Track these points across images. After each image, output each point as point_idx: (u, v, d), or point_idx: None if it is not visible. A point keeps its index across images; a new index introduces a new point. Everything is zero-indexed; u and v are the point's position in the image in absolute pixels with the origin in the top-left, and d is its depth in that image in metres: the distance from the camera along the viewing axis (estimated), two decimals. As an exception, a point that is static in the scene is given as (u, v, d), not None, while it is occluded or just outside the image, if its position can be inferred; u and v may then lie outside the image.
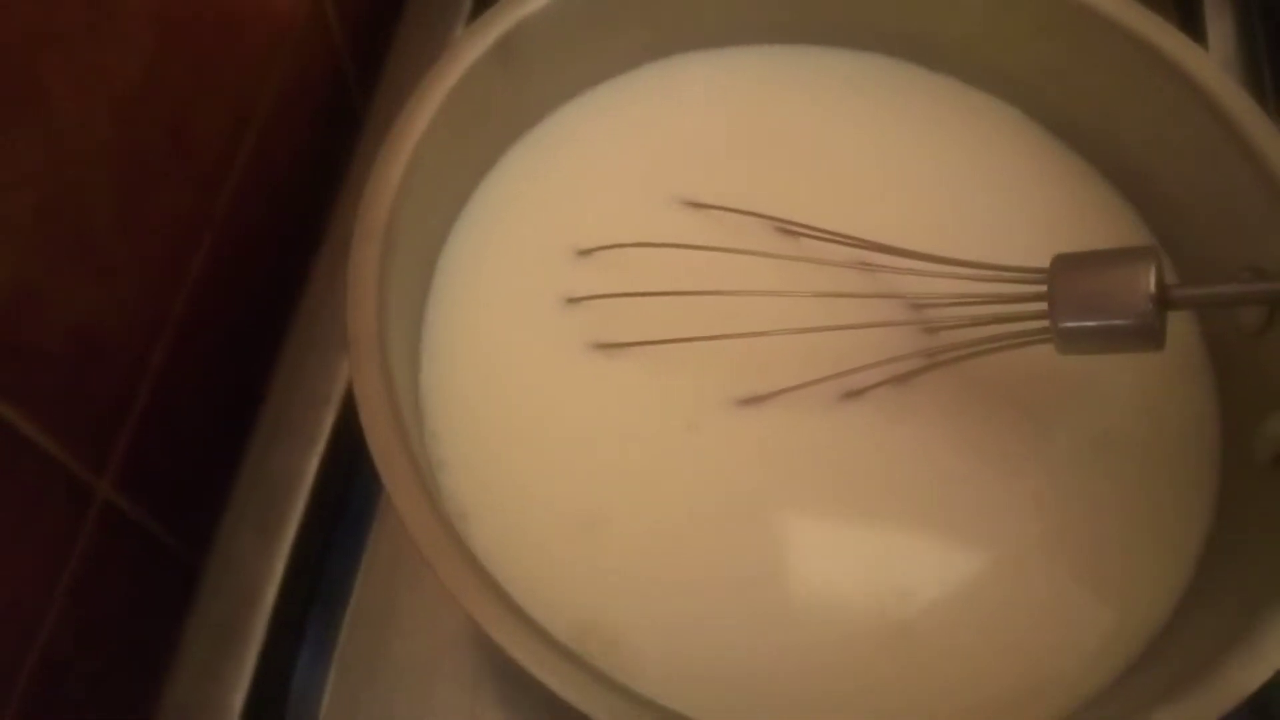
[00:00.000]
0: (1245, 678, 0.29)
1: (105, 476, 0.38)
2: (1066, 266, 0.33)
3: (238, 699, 0.38)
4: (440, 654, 0.39)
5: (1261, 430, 0.35)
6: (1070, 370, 0.36)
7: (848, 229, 0.38)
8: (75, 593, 0.37)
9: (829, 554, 0.36)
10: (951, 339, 0.36)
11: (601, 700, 0.28)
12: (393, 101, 0.39)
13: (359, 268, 0.33)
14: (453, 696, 0.39)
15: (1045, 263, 0.33)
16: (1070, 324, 0.32)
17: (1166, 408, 0.38)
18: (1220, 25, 0.53)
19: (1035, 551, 0.36)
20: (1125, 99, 0.40)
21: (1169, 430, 0.38)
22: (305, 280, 0.46)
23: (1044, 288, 0.33)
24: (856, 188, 0.42)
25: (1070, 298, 0.32)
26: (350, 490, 0.43)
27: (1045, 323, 0.33)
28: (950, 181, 0.42)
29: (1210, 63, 0.38)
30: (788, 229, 0.40)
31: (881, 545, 0.36)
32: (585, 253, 0.39)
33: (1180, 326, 0.37)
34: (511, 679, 0.39)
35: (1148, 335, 0.31)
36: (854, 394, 0.37)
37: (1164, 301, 0.31)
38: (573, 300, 0.39)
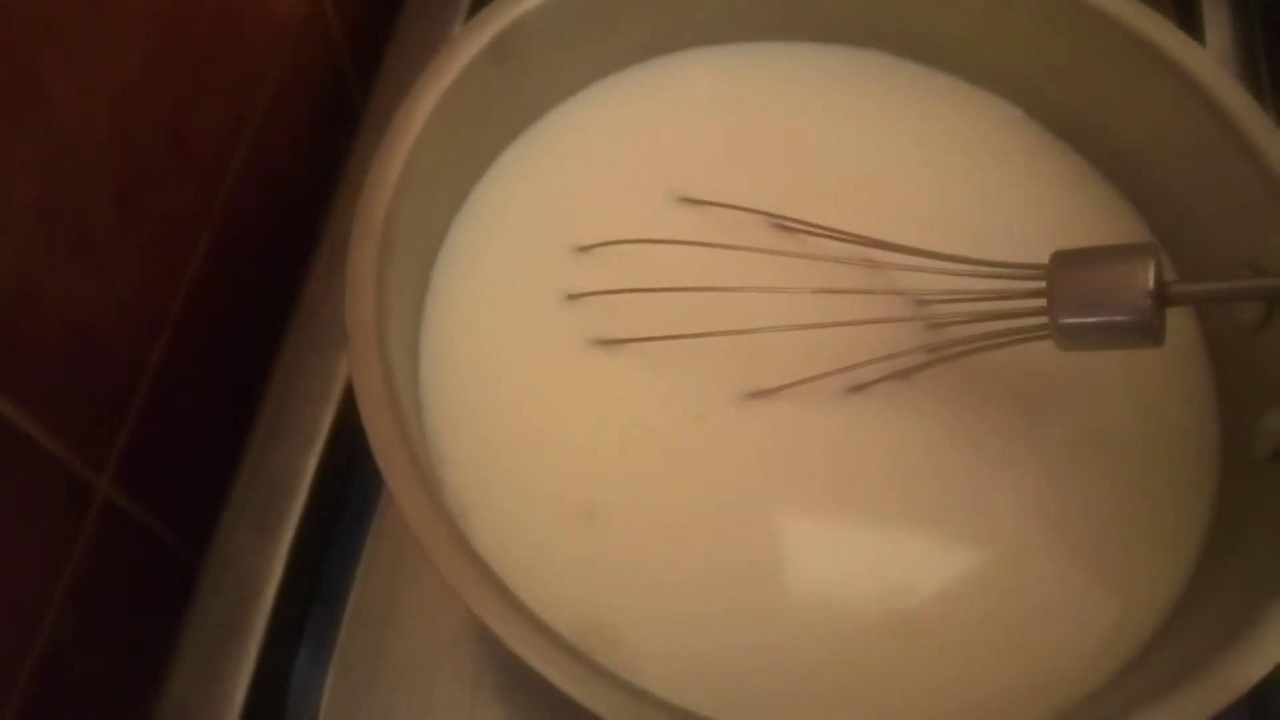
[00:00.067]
0: (1245, 672, 0.29)
1: (105, 474, 0.38)
2: (1066, 263, 0.33)
3: (237, 697, 0.38)
4: (440, 652, 0.39)
5: (1260, 426, 0.35)
6: (1070, 367, 0.36)
7: (847, 226, 0.38)
8: (75, 591, 0.37)
9: (830, 549, 0.36)
10: (952, 335, 0.36)
11: (603, 694, 0.28)
12: (391, 99, 0.39)
13: (357, 264, 0.33)
14: (452, 695, 0.39)
15: (1044, 259, 0.33)
16: (1069, 320, 0.32)
17: (1165, 404, 0.38)
18: (1217, 22, 0.53)
19: (1035, 547, 0.36)
20: (1124, 96, 0.40)
21: (1168, 426, 0.38)
22: (304, 278, 0.46)
23: (1043, 284, 0.33)
24: (856, 185, 0.42)
25: (1069, 294, 0.32)
26: (349, 489, 0.42)
27: (1044, 319, 0.33)
28: (950, 179, 0.42)
29: (1208, 60, 0.38)
30: (787, 226, 0.40)
31: (882, 540, 0.36)
32: (584, 249, 0.39)
33: (1179, 323, 0.37)
34: (511, 676, 0.39)
35: (1147, 331, 0.31)
36: (855, 390, 0.37)
37: (1163, 298, 0.31)
38: (573, 296, 0.39)
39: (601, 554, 0.35)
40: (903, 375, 0.37)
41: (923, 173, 0.42)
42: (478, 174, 0.41)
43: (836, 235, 0.38)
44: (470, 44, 0.37)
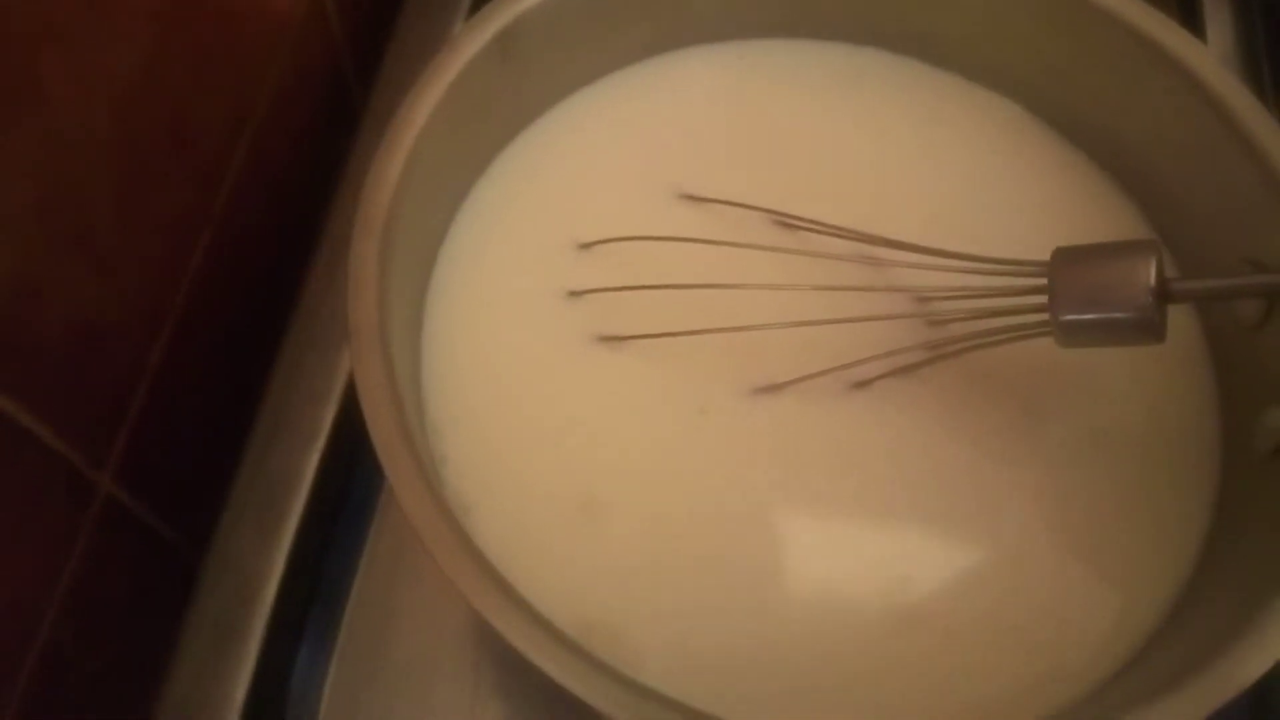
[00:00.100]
0: (1245, 668, 0.29)
1: (105, 472, 0.38)
2: (1067, 260, 0.33)
3: (237, 696, 0.38)
4: (441, 651, 0.39)
5: (1261, 422, 0.35)
6: (1071, 363, 0.36)
7: (849, 223, 0.38)
8: (75, 590, 0.37)
9: (831, 545, 0.36)
10: (953, 332, 0.36)
11: (604, 690, 0.28)
12: (391, 98, 0.39)
13: (359, 260, 0.33)
14: (453, 694, 0.39)
15: (1045, 256, 0.33)
16: (1070, 317, 0.32)
17: (1166, 401, 0.38)
18: (1219, 20, 0.53)
19: (1036, 545, 0.36)
20: (1126, 94, 0.40)
21: (1169, 423, 0.38)
22: (304, 277, 0.46)
23: (1044, 281, 0.33)
24: (857, 183, 0.42)
25: (1070, 291, 0.32)
26: (350, 487, 0.42)
27: (1045, 316, 0.33)
28: (951, 176, 0.42)
29: (1210, 58, 0.38)
30: (788, 223, 0.40)
31: (883, 537, 0.36)
32: (586, 246, 0.39)
33: (1180, 320, 0.37)
34: (512, 674, 0.39)
35: (1148, 328, 0.31)
36: (856, 387, 0.37)
37: (1164, 295, 0.31)
38: (574, 294, 0.39)
39: (603, 551, 0.35)
40: (904, 372, 0.37)
41: (923, 170, 0.42)
42: (479, 171, 0.41)
43: (838, 232, 0.38)
44: (473, 41, 0.37)
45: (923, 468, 0.37)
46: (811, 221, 0.39)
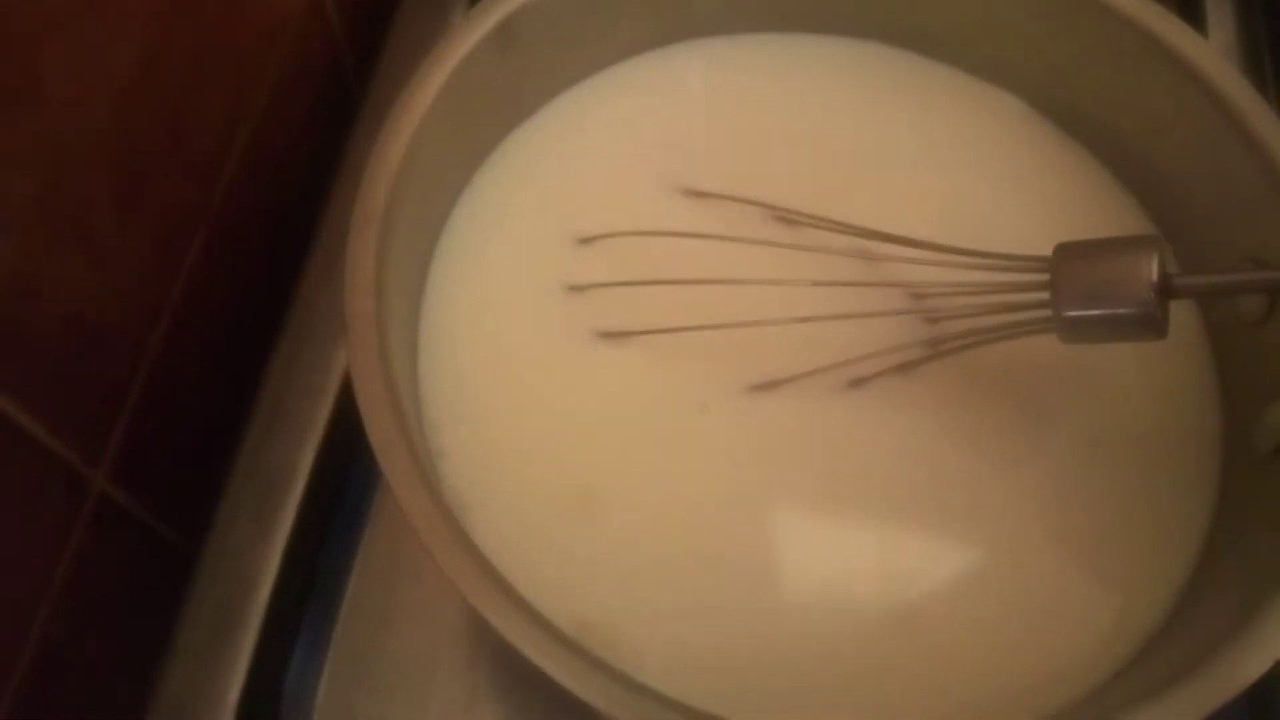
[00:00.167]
0: (1245, 668, 0.29)
1: (101, 468, 0.38)
2: (1069, 255, 0.32)
3: (233, 691, 0.38)
4: (437, 648, 0.39)
5: (1262, 420, 0.35)
6: (1071, 360, 0.36)
7: (850, 218, 0.38)
8: (70, 586, 0.37)
9: (830, 544, 0.36)
10: (954, 328, 0.36)
11: (602, 688, 0.28)
12: (389, 91, 0.39)
13: (357, 252, 0.33)
14: (449, 690, 0.39)
15: (1047, 251, 0.33)
16: (1073, 313, 0.32)
17: (1167, 399, 0.38)
18: (1220, 13, 0.53)
19: (1035, 544, 0.36)
20: (1126, 88, 0.40)
21: (1170, 421, 0.38)
22: (302, 271, 0.46)
23: (1046, 276, 0.32)
24: (858, 177, 0.42)
25: (1073, 287, 0.32)
26: (347, 482, 0.42)
27: (1048, 312, 0.32)
28: (951, 171, 0.42)
29: (1211, 51, 0.38)
30: (789, 218, 0.39)
31: (882, 536, 0.36)
32: (586, 240, 0.39)
33: (1182, 316, 0.37)
34: (509, 671, 0.39)
35: (1150, 324, 0.31)
36: (856, 383, 0.37)
37: (1166, 290, 0.31)
38: (573, 288, 0.38)
39: (602, 549, 0.35)
40: (905, 370, 0.37)
41: (923, 165, 0.42)
42: (478, 164, 0.41)
43: (837, 228, 0.38)
44: (472, 32, 0.37)
45: (923, 466, 0.37)
46: (812, 216, 0.38)
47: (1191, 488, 0.37)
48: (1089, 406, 0.38)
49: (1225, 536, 0.35)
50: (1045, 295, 0.32)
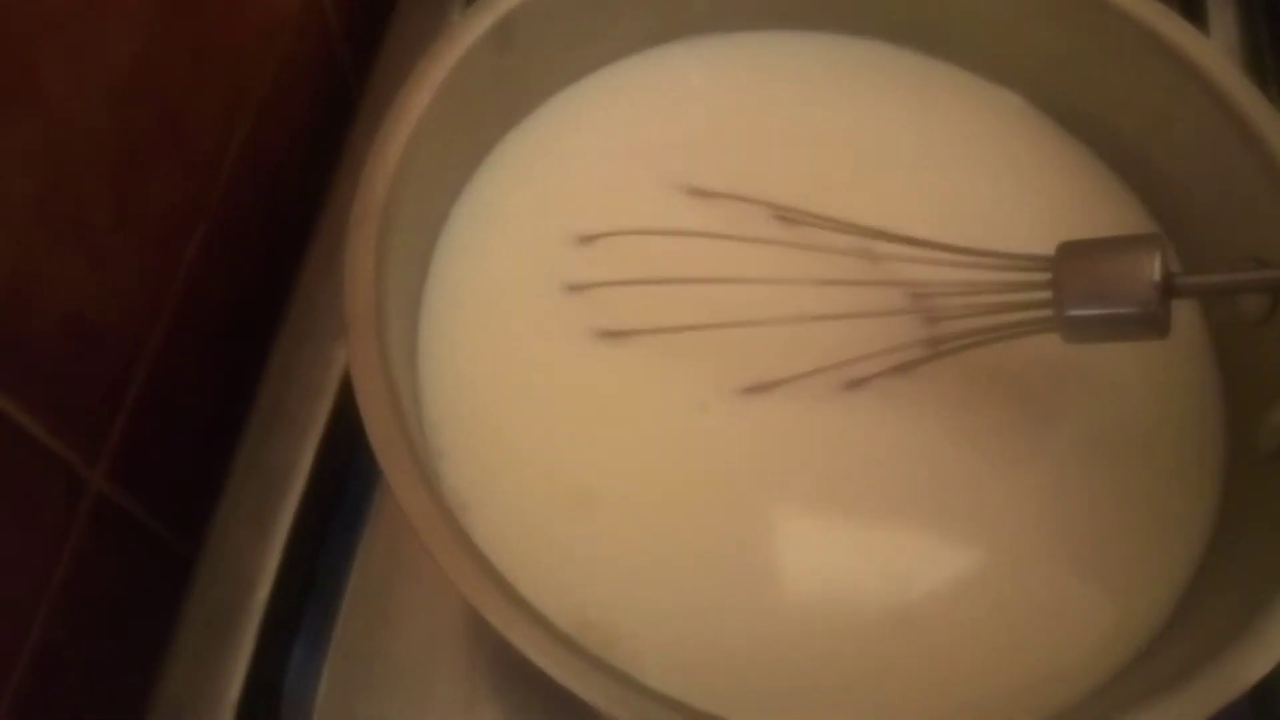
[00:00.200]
0: (1247, 669, 0.29)
1: (99, 468, 0.38)
2: (1071, 254, 0.32)
3: (232, 691, 0.38)
4: (437, 647, 0.39)
5: (1265, 420, 0.35)
6: (1072, 360, 0.35)
7: (850, 216, 0.38)
8: (69, 586, 0.37)
9: (830, 544, 0.36)
10: (955, 328, 0.36)
11: (602, 688, 0.28)
12: (388, 89, 0.39)
13: (356, 249, 0.33)
14: (449, 689, 0.39)
15: (1047, 249, 0.33)
16: (1075, 312, 0.32)
17: (1169, 399, 0.38)
18: (1221, 13, 0.53)
19: (1036, 546, 0.36)
20: (1127, 85, 0.40)
21: (1171, 421, 0.38)
22: (300, 269, 0.46)
23: (1048, 275, 0.32)
24: (858, 175, 0.41)
25: (1075, 286, 0.32)
26: (346, 482, 0.42)
27: (1049, 311, 0.32)
28: (952, 169, 0.42)
29: (1213, 49, 0.38)
30: (789, 217, 0.39)
31: (883, 536, 0.36)
32: (585, 239, 0.39)
33: (1183, 316, 0.37)
34: (509, 671, 0.39)
35: (1152, 323, 0.31)
36: (857, 383, 0.37)
37: (1169, 290, 0.31)
38: (574, 286, 0.38)
39: (601, 548, 0.35)
40: (906, 370, 0.37)
41: (923, 163, 0.42)
42: (477, 162, 0.41)
43: (838, 227, 0.38)
44: (471, 30, 0.37)
45: (924, 466, 0.36)
46: (813, 215, 0.38)
47: (1193, 488, 0.37)
48: (1090, 406, 0.38)
49: (1227, 537, 0.35)
50: (1047, 295, 0.32)
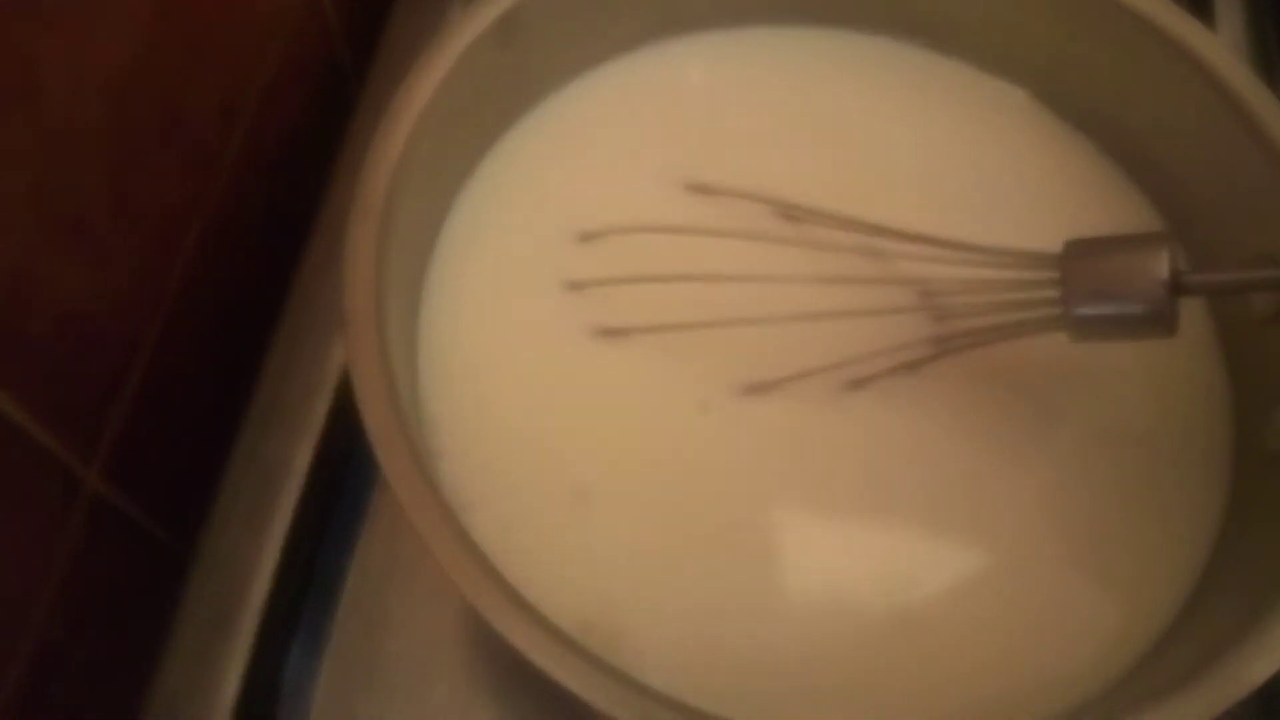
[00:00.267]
0: (1253, 670, 0.29)
1: (95, 466, 0.37)
2: (1078, 252, 0.32)
3: (229, 692, 0.37)
4: (435, 647, 0.39)
5: (1272, 419, 0.35)
6: (1079, 359, 0.35)
7: (855, 213, 0.37)
8: (66, 586, 0.36)
9: (834, 544, 0.36)
10: (961, 326, 0.36)
11: (605, 688, 0.27)
12: (387, 84, 0.39)
13: (356, 244, 0.33)
14: (448, 692, 0.38)
15: (1054, 246, 0.33)
16: (1083, 310, 0.32)
17: (1176, 398, 0.38)
18: (1229, 7, 0.53)
19: (1042, 546, 0.36)
20: (1135, 83, 0.40)
21: (1178, 420, 0.38)
22: (299, 265, 0.45)
23: (1055, 274, 0.32)
24: (863, 171, 0.41)
25: (1082, 284, 0.32)
26: (344, 480, 0.42)
27: (1057, 310, 0.32)
28: (958, 165, 0.42)
29: (1221, 47, 0.38)
30: (792, 214, 0.39)
31: (887, 536, 0.36)
32: (587, 235, 0.39)
33: (1191, 314, 0.37)
34: (508, 670, 0.39)
35: (1160, 322, 0.31)
36: (862, 383, 0.37)
37: (1177, 288, 0.31)
38: (575, 283, 0.38)
39: (602, 549, 0.35)
40: (910, 369, 0.37)
41: (927, 160, 0.42)
42: (479, 155, 0.41)
43: (843, 224, 0.37)
44: (473, 24, 0.37)
45: (926, 466, 0.36)
46: (817, 212, 0.38)
47: (1200, 488, 0.36)
48: (1094, 405, 0.38)
49: (1233, 537, 0.35)
50: (1054, 293, 0.32)
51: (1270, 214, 0.36)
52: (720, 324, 0.36)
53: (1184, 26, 0.38)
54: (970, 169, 0.42)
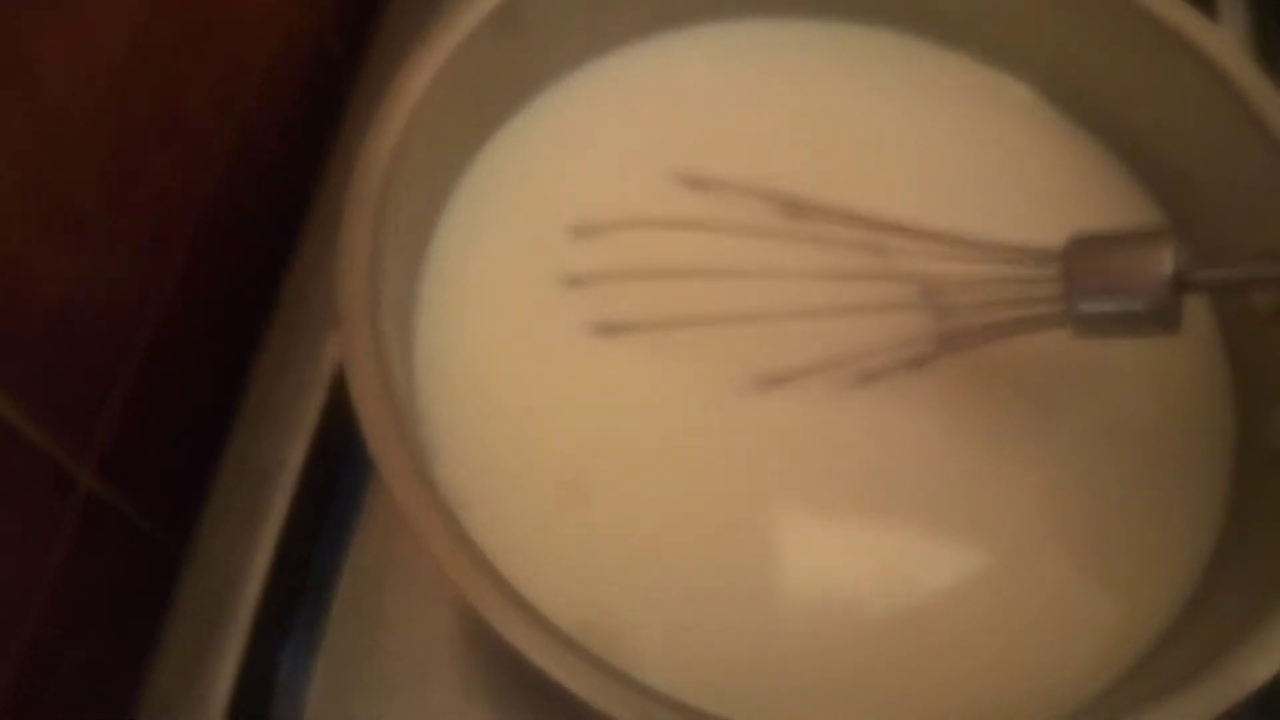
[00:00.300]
0: (1253, 670, 0.29)
1: (88, 465, 0.37)
2: (1081, 248, 0.32)
3: (222, 692, 0.37)
4: (431, 645, 0.39)
5: (1275, 417, 0.35)
6: (1081, 357, 0.35)
7: (857, 208, 0.37)
8: (58, 585, 0.36)
9: (835, 542, 0.35)
10: (964, 323, 0.36)
11: (605, 688, 0.27)
12: (382, 75, 0.38)
13: (350, 240, 0.32)
14: (443, 692, 0.38)
15: (1056, 242, 0.33)
16: (1086, 307, 0.32)
17: (1178, 396, 0.38)
18: (1232, 4, 0.52)
19: (1043, 545, 0.35)
20: (1138, 77, 0.40)
21: (1180, 417, 0.38)
22: (294, 260, 0.45)
23: (1058, 270, 0.32)
24: (865, 166, 0.41)
25: (1085, 280, 0.32)
26: (338, 478, 0.42)
27: (1059, 306, 0.32)
28: (960, 161, 0.41)
29: (1225, 41, 0.38)
30: (793, 209, 0.39)
31: (887, 535, 0.35)
32: (585, 230, 0.39)
33: (1194, 311, 0.37)
34: (504, 670, 0.38)
35: (1163, 318, 0.31)
36: (864, 380, 0.37)
37: (1181, 284, 0.31)
38: (573, 279, 0.38)
39: (601, 548, 0.34)
40: (912, 366, 0.36)
41: (930, 155, 0.41)
42: (476, 147, 0.40)
43: (844, 219, 0.37)
44: (470, 14, 0.37)
45: (926, 465, 0.36)
46: (819, 207, 0.38)
47: (1201, 486, 0.36)
48: (1097, 403, 0.38)
49: (1235, 536, 0.35)
50: (1057, 289, 0.32)
51: (1274, 210, 0.36)
52: (719, 321, 0.35)
53: (1189, 22, 0.38)
54: (972, 164, 0.41)
